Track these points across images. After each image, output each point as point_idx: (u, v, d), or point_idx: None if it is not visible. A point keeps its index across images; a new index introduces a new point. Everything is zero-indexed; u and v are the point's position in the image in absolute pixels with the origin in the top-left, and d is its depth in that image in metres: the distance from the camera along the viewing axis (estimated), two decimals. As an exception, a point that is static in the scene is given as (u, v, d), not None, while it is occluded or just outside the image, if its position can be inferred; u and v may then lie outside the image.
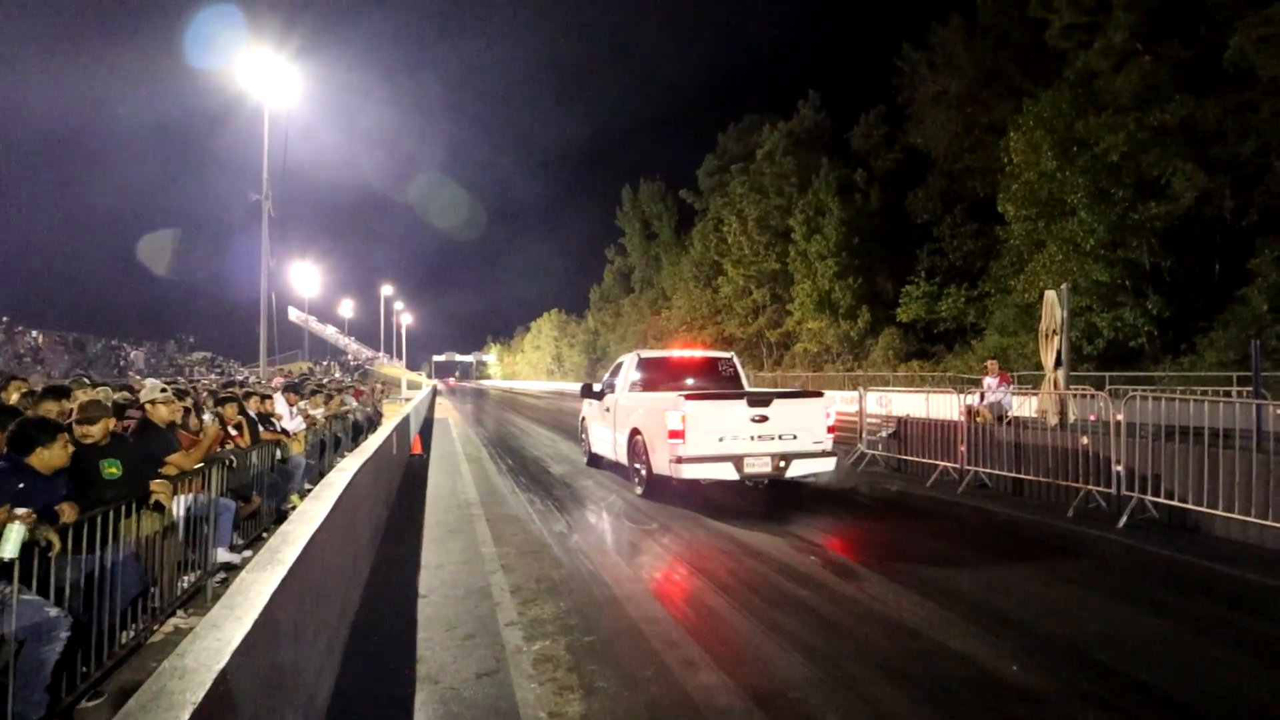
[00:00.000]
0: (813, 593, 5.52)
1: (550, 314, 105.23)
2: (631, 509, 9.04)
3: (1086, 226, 23.63)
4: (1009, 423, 10.33)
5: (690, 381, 11.44)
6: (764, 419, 8.95)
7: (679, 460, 8.72)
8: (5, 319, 52.61)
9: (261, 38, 19.51)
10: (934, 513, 8.76)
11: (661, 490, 9.68)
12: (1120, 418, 8.01)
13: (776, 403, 9.09)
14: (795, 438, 9.04)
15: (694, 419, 8.84)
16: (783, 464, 8.84)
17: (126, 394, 7.61)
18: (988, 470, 10.02)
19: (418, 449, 15.14)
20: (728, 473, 8.70)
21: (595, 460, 12.94)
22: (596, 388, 12.79)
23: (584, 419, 13.74)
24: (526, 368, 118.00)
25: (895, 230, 39.02)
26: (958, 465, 10.45)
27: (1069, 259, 24.13)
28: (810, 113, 45.99)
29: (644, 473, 9.81)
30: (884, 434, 12.47)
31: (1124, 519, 7.70)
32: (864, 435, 12.94)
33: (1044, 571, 6.16)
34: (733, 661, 4.24)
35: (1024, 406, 11.97)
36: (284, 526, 3.66)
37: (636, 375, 11.37)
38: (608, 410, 11.75)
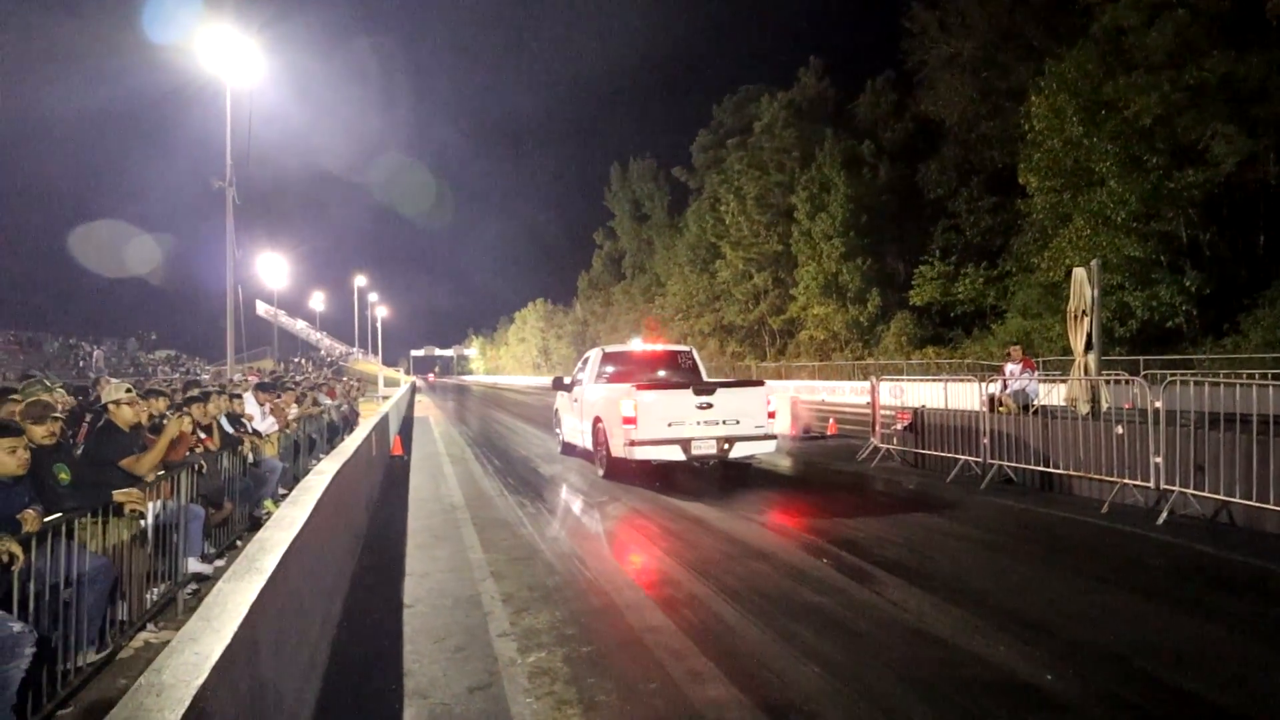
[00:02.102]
0: (828, 598, 5.54)
1: (536, 303, 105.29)
2: (633, 513, 9.07)
3: (1117, 197, 23.42)
4: (1035, 412, 10.36)
5: (659, 373, 13.05)
6: (709, 406, 10.59)
7: (632, 443, 10.42)
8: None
9: (222, 11, 19.36)
10: (956, 510, 8.77)
11: (622, 472, 11.28)
12: (1159, 405, 8.02)
13: (720, 391, 10.81)
14: (738, 423, 10.66)
15: (645, 407, 10.49)
16: (726, 446, 10.49)
17: (73, 397, 7.59)
18: (1013, 464, 10.03)
19: (398, 450, 15.16)
20: (675, 454, 10.40)
21: (569, 449, 14.63)
22: (567, 380, 14.58)
23: (557, 410, 15.68)
24: (511, 361, 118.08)
25: (906, 206, 39.01)
26: (980, 459, 10.46)
27: (1098, 233, 24.01)
28: (812, 81, 45.96)
29: (605, 455, 11.47)
30: (899, 426, 12.51)
31: (1164, 515, 7.72)
32: (878, 428, 12.97)
33: (1078, 573, 6.18)
34: (743, 673, 4.25)
35: (1051, 395, 12.00)
36: (261, 533, 3.67)
37: (601, 368, 13.03)
38: (575, 401, 13.67)
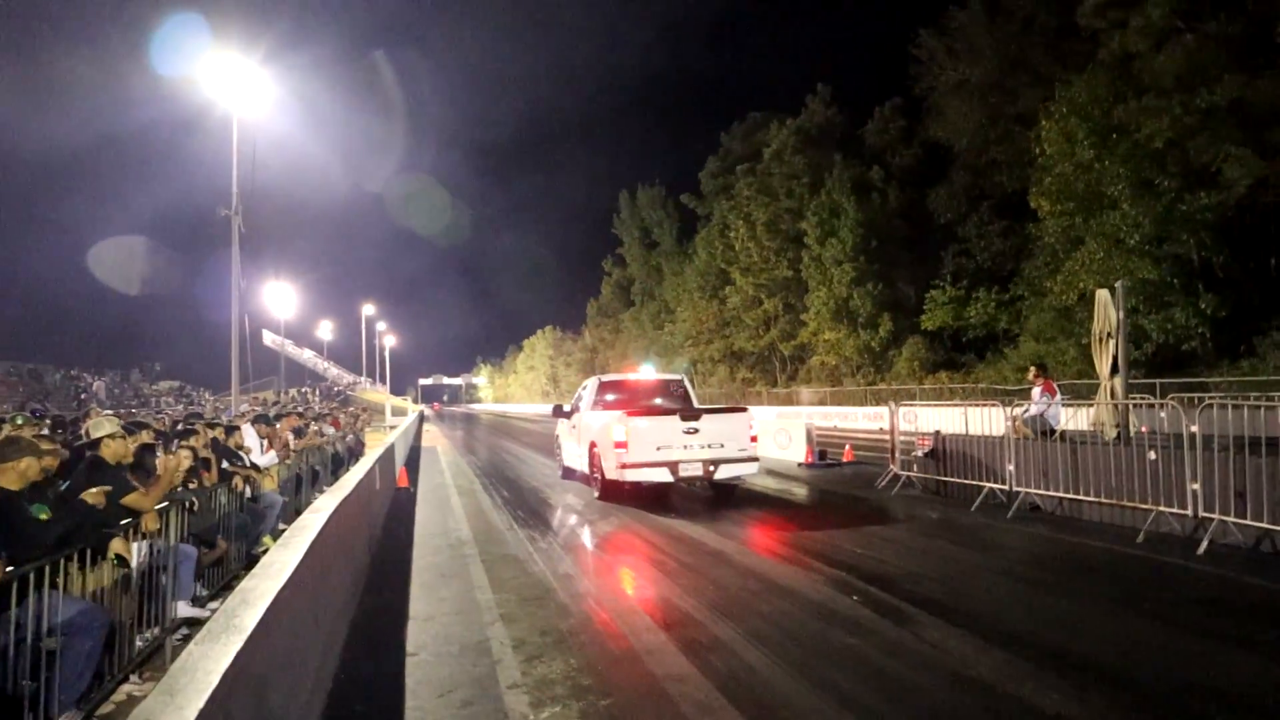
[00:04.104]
0: (861, 640, 5.16)
1: (544, 331, 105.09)
2: (649, 545, 8.71)
3: (1130, 220, 23.26)
4: (1058, 438, 9.98)
5: (654, 401, 13.93)
6: (695, 431, 11.27)
7: (623, 466, 11.09)
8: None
9: (229, 41, 19.30)
10: (984, 541, 8.42)
11: (615, 493, 11.87)
12: (1194, 429, 7.65)
13: (706, 417, 11.50)
14: (723, 446, 11.33)
15: (635, 432, 11.18)
16: (712, 468, 11.19)
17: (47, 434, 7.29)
18: (1040, 491, 9.67)
19: (404, 482, 14.86)
20: (664, 476, 11.04)
21: (568, 473, 15.44)
22: (566, 408, 15.39)
23: (557, 436, 16.74)
24: (520, 389, 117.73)
25: (917, 231, 38.83)
26: (1005, 486, 10.11)
27: (1111, 256, 23.80)
28: (820, 108, 45.88)
29: (600, 478, 12.12)
30: (920, 452, 12.14)
31: (1204, 544, 7.33)
32: (896, 454, 12.59)
33: (1122, 607, 5.80)
34: (778, 728, 3.87)
35: (1074, 419, 11.62)
36: (244, 583, 3.32)
37: (598, 396, 13.85)
38: (574, 428, 14.47)
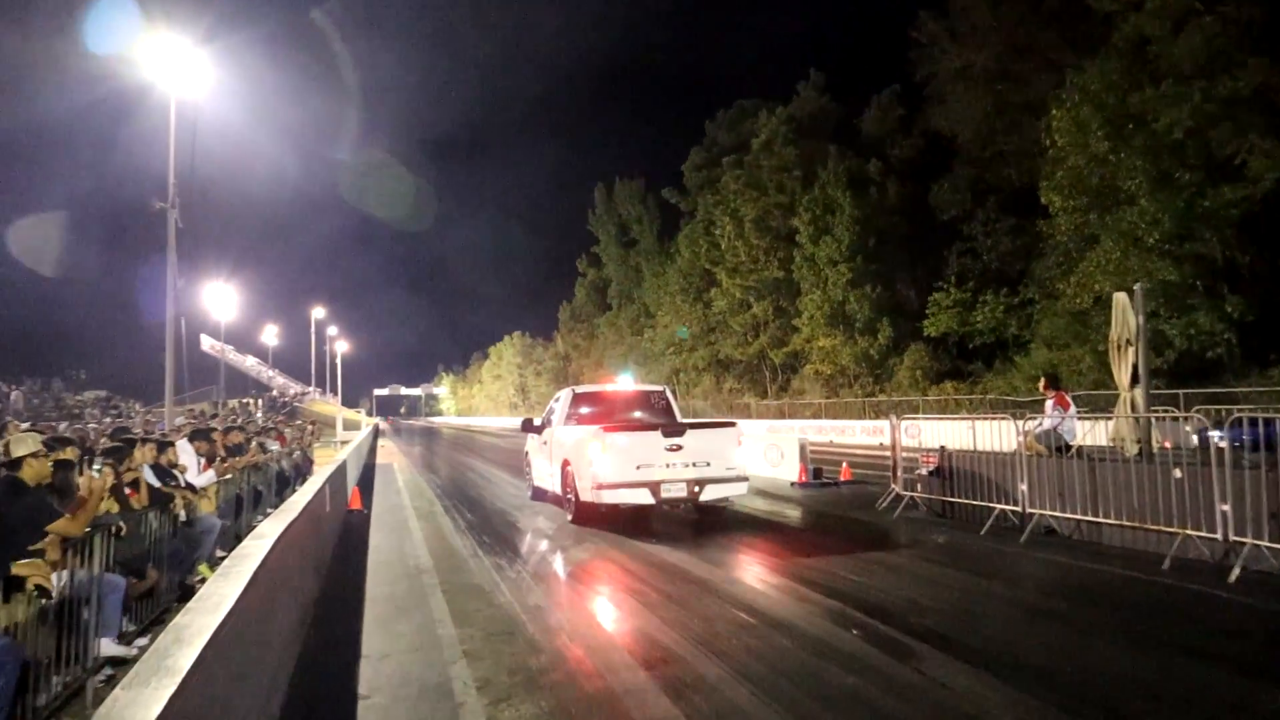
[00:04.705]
0: (861, 678, 5.14)
1: (512, 337, 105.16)
2: (627, 574, 8.68)
3: (1148, 217, 23.56)
4: (1074, 454, 10.04)
5: (633, 414, 13.82)
6: (678, 448, 11.23)
7: (600, 486, 11.01)
8: None
9: (168, 16, 19.11)
10: (997, 568, 8.45)
11: (591, 517, 11.75)
12: (1222, 444, 7.72)
13: (690, 433, 11.49)
14: (709, 464, 11.33)
15: (612, 448, 11.11)
16: (697, 489, 11.17)
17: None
18: (1056, 513, 9.73)
19: (357, 503, 14.72)
20: (644, 497, 10.95)
21: (539, 494, 15.18)
22: (537, 422, 15.42)
23: (527, 453, 16.53)
24: (485, 401, 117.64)
25: (918, 229, 39.17)
26: (1018, 508, 10.16)
27: (1128, 255, 24.08)
28: (813, 95, 46.33)
29: (574, 500, 12.01)
30: (924, 471, 12.17)
31: (1236, 571, 7.38)
32: (899, 473, 12.62)
33: (1153, 643, 5.82)
34: (772, 776, 3.84)
35: (1092, 433, 11.69)
36: (179, 618, 3.24)
37: (571, 409, 13.72)
38: (545, 443, 14.39)
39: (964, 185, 36.16)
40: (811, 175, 41.40)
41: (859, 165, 40.67)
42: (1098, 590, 7.46)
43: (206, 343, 74.50)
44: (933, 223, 37.87)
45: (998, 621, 6.50)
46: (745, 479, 11.76)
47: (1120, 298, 11.14)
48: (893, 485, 12.67)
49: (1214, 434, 14.70)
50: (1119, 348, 10.95)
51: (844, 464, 17.81)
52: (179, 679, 2.52)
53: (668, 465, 11.15)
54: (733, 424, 12.29)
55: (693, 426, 11.92)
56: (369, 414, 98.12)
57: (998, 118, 33.77)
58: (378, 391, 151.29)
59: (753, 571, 8.62)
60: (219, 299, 52.53)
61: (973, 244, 35.40)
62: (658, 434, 11.38)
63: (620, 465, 11.06)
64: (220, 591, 3.64)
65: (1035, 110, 29.41)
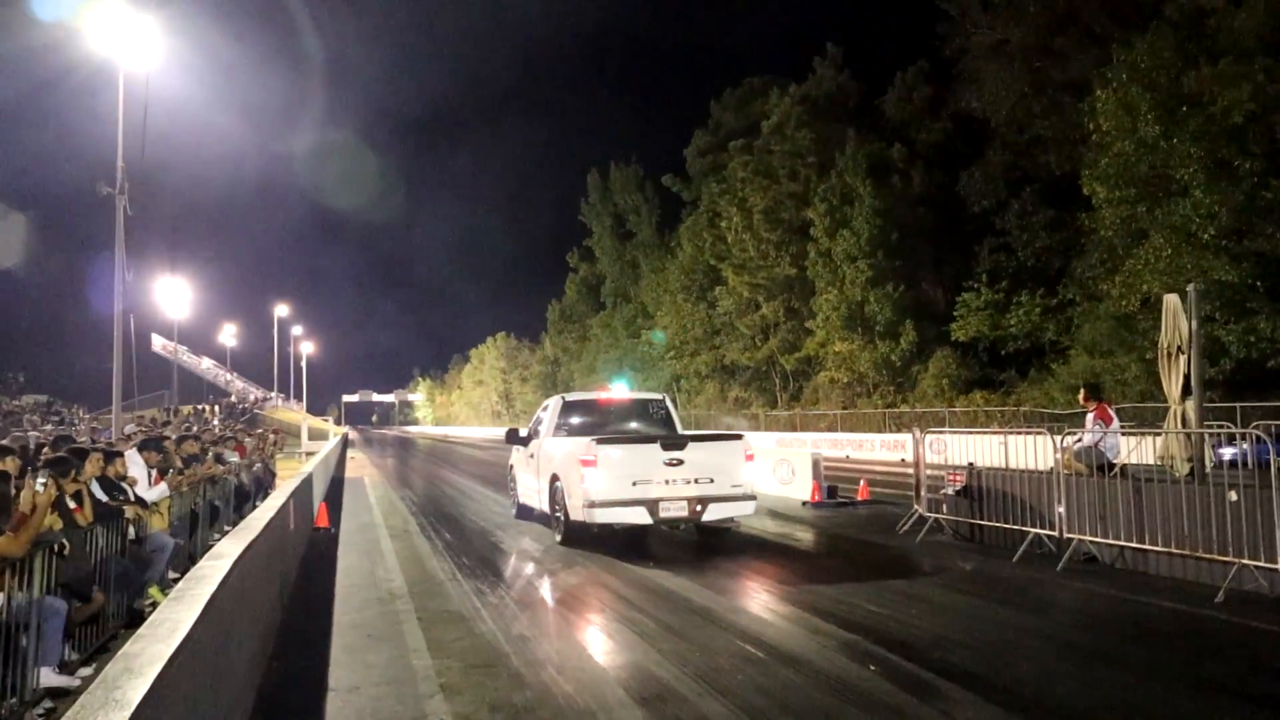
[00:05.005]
0: None
1: (496, 339, 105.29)
2: (621, 601, 8.73)
3: (1203, 210, 23.44)
4: (1117, 474, 10.06)
5: (629, 425, 13.80)
6: (679, 462, 11.16)
7: (591, 505, 10.94)
8: None
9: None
10: (1031, 599, 8.50)
11: (581, 538, 11.73)
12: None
13: (692, 445, 11.47)
14: (712, 481, 11.26)
15: (606, 463, 11.03)
16: (699, 508, 11.09)
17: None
18: (1096, 539, 9.75)
19: (323, 521, 14.78)
20: (641, 517, 10.90)
21: (525, 511, 15.15)
22: (523, 433, 15.32)
23: (511, 467, 16.39)
24: (466, 409, 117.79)
25: (946, 222, 39.23)
26: (1054, 532, 10.20)
27: (1180, 253, 24.00)
28: (830, 73, 46.39)
29: (563, 518, 12.05)
30: (950, 490, 12.20)
31: (1296, 605, 7.41)
32: (922, 492, 12.64)
33: (1197, 682, 5.88)
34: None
35: (1137, 450, 11.74)
36: (128, 646, 3.26)
37: (561, 420, 13.68)
38: (531, 457, 14.29)
39: (997, 174, 36.15)
40: (828, 162, 41.42)
41: (881, 150, 40.70)
42: (1142, 625, 7.51)
43: (158, 343, 74.44)
44: (962, 215, 37.92)
45: (1031, 659, 6.53)
46: (753, 497, 11.69)
47: (1171, 300, 11.16)
48: (915, 506, 12.70)
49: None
50: (1169, 355, 10.96)
51: (862, 482, 17.85)
52: (128, 713, 2.54)
53: (667, 481, 11.09)
54: (739, 436, 12.25)
55: (695, 439, 11.91)
56: (337, 422, 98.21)
57: (1035, 98, 33.68)
58: (347, 398, 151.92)
59: (760, 600, 8.66)
60: (172, 294, 52.57)
61: (1006, 239, 35.36)
62: (656, 447, 11.34)
63: (614, 481, 10.99)
64: (174, 617, 3.67)
65: (1078, 90, 29.41)
